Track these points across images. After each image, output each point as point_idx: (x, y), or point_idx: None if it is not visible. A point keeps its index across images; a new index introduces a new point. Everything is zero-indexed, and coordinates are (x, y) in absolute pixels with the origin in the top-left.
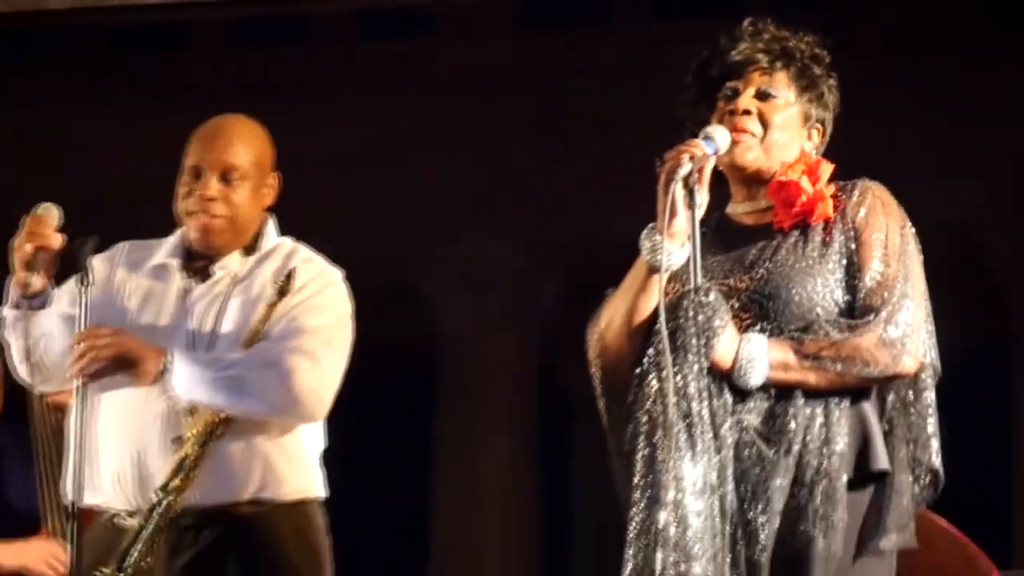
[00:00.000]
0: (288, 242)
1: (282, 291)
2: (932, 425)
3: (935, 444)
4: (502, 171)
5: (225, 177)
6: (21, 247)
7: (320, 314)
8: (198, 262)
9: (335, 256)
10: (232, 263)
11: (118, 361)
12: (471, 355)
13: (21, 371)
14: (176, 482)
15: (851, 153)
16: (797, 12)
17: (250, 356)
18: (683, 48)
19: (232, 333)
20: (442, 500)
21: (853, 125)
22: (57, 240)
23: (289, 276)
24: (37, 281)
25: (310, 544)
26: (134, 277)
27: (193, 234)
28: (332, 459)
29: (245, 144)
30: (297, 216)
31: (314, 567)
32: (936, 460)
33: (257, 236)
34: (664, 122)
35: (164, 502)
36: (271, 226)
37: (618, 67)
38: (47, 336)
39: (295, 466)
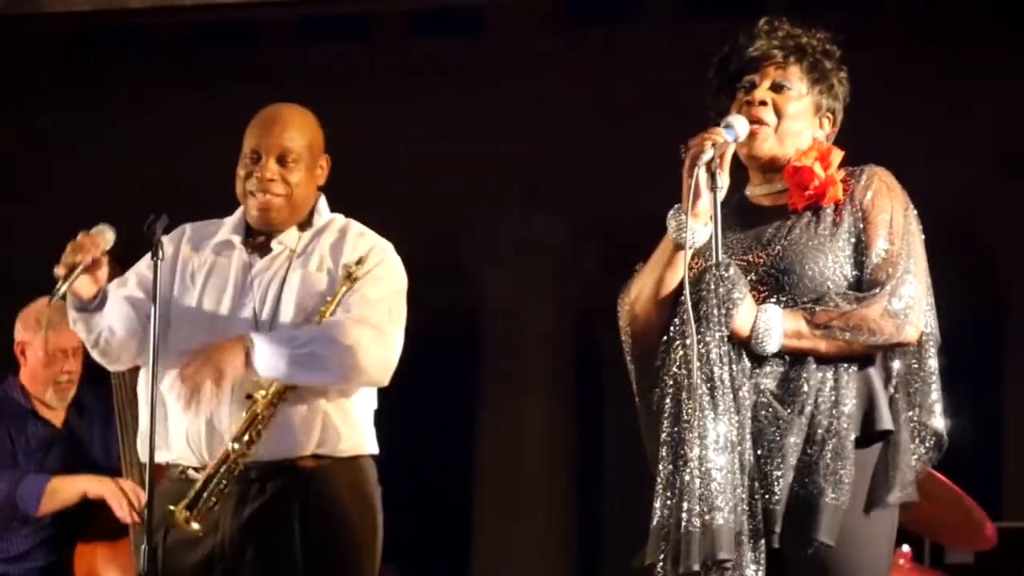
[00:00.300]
0: (340, 217)
1: (352, 277)
2: (935, 392)
3: (938, 409)
4: (546, 154)
5: (282, 160)
6: (59, 265)
7: (380, 286)
8: (258, 238)
9: (389, 230)
10: (289, 239)
11: (214, 376)
12: (514, 324)
13: (94, 355)
14: (247, 436)
15: (859, 140)
16: (806, 11)
17: (321, 333)
18: (710, 43)
19: (294, 305)
20: (486, 458)
21: (861, 114)
22: (100, 263)
23: (360, 262)
24: (86, 290)
25: (364, 496)
26: (199, 255)
27: (254, 212)
28: (387, 420)
29: (299, 130)
30: (357, 192)
31: (367, 516)
32: (939, 424)
33: (311, 213)
34: (692, 111)
35: (235, 452)
36: (323, 203)
37: (653, 60)
38: (108, 329)
39: (350, 425)
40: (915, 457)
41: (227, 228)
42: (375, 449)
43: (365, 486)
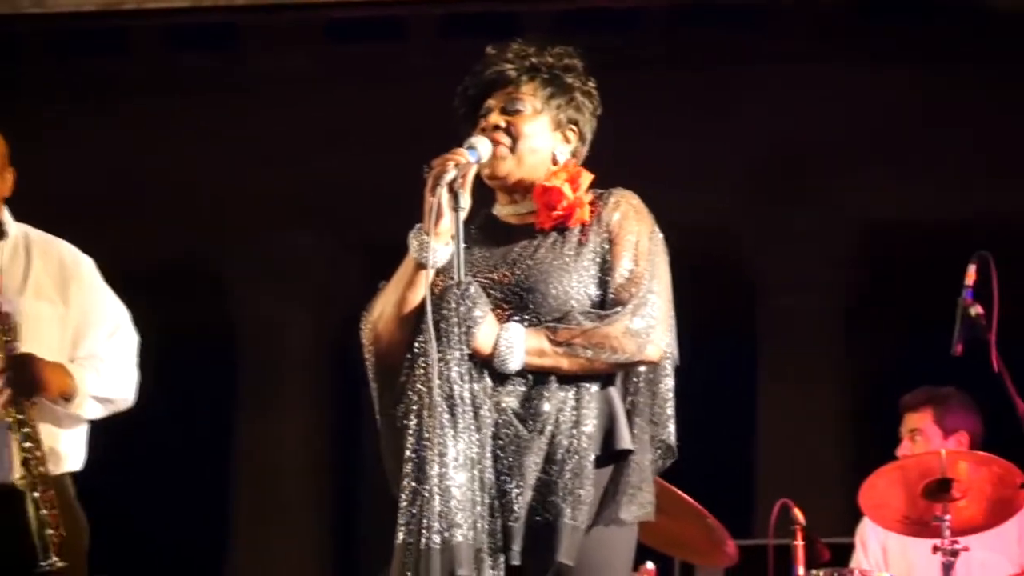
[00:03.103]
0: (27, 229)
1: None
2: (670, 408)
3: (672, 426)
4: (310, 171)
5: None
6: None
7: (112, 305)
8: None
9: (147, 249)
10: None
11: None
12: (273, 344)
13: None
14: None
15: (617, 160)
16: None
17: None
18: (467, 62)
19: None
20: (243, 477)
21: (617, 135)
22: None
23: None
24: None
25: (76, 511)
26: None
27: None
28: (142, 437)
29: None
30: (114, 209)
31: (77, 530)
32: (672, 438)
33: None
34: (451, 130)
35: None
36: (7, 214)
37: (413, 80)
38: None
39: (68, 444)
40: (649, 473)
41: None
42: (79, 466)
43: (74, 501)
